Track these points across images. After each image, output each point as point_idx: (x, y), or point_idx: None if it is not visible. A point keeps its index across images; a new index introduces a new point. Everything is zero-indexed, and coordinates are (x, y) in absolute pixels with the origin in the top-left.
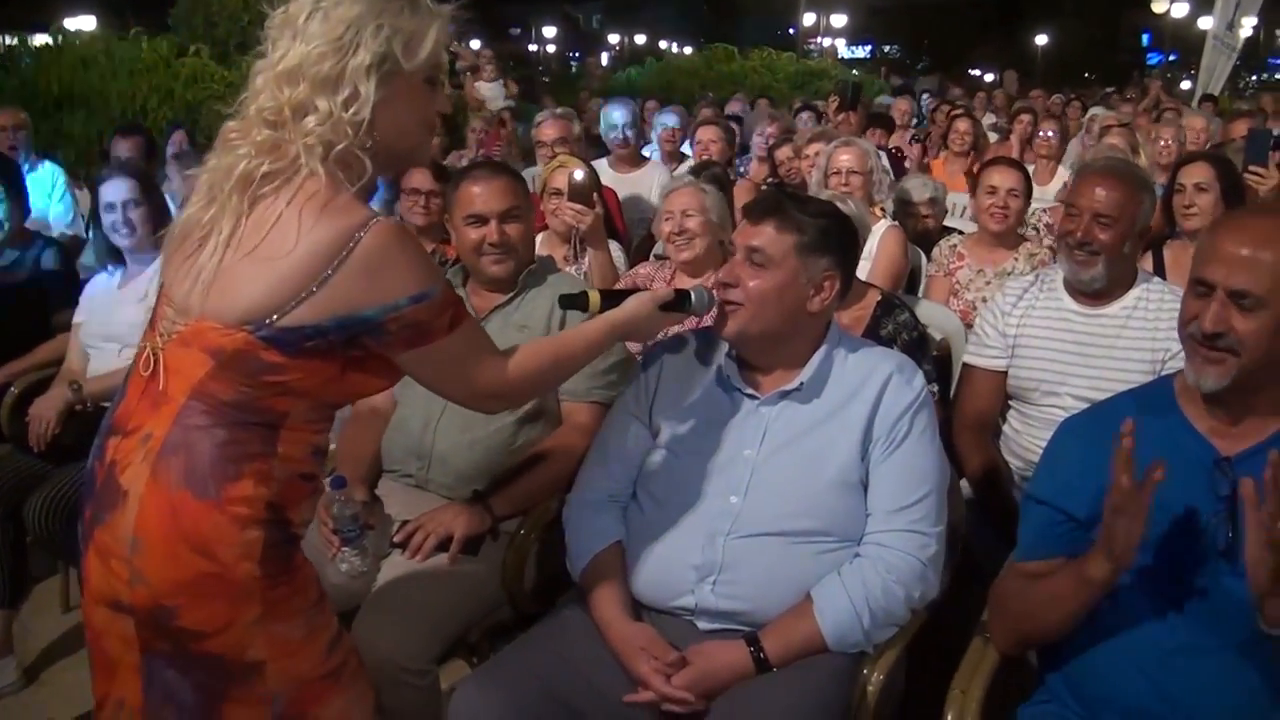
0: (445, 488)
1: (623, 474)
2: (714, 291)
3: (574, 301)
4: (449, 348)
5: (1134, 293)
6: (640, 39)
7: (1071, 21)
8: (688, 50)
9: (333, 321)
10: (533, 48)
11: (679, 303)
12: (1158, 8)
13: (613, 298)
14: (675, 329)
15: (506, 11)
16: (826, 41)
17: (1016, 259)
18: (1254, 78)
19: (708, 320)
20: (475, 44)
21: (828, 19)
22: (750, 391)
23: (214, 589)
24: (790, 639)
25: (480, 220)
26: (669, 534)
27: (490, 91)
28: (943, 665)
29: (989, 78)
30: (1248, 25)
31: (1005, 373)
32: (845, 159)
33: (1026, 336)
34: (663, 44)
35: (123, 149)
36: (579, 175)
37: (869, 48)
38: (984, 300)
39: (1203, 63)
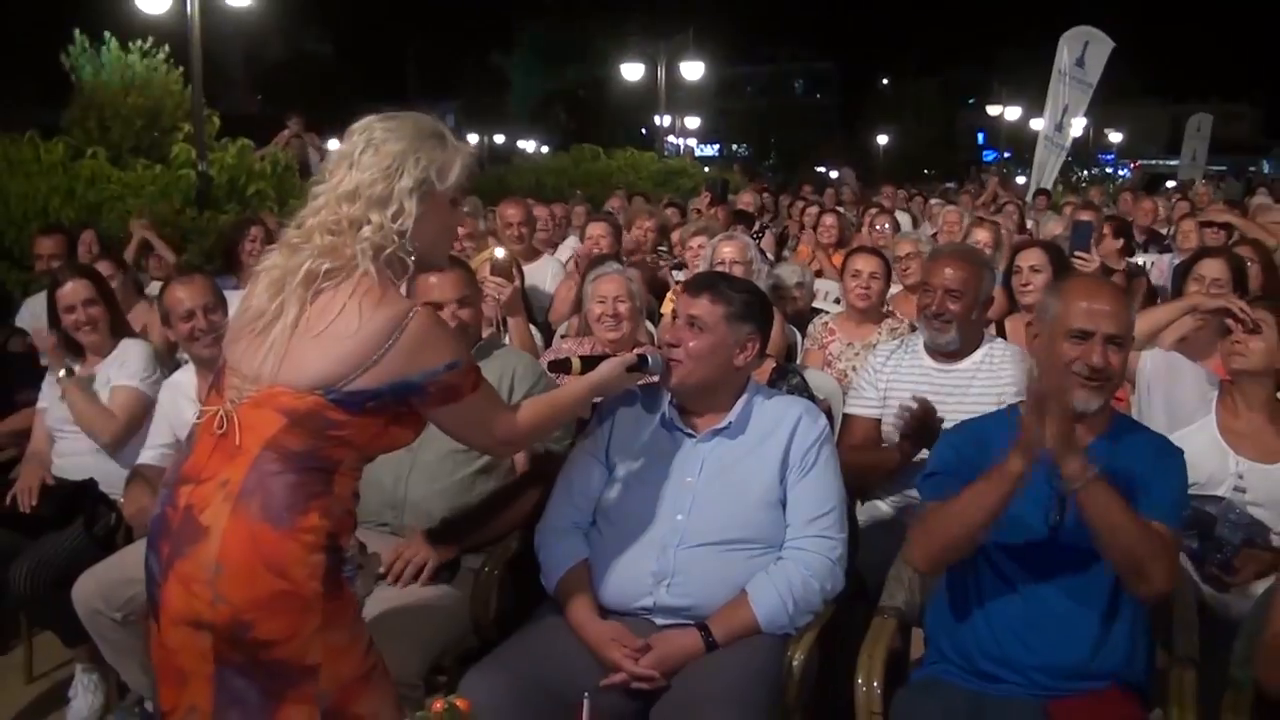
0: (412, 531)
1: (585, 505)
2: (662, 354)
3: (562, 366)
4: (473, 404)
5: (981, 351)
6: (499, 139)
7: (910, 122)
8: (544, 150)
9: (388, 386)
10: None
11: (640, 364)
12: (992, 111)
13: (589, 362)
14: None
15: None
16: (681, 142)
17: (879, 332)
18: (1085, 172)
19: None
20: (333, 144)
21: (682, 120)
22: (689, 431)
23: (286, 604)
24: (732, 625)
25: (437, 307)
26: (628, 549)
27: None
28: (848, 654)
29: (834, 174)
30: (1077, 125)
31: (879, 420)
32: (728, 251)
33: (895, 389)
34: (520, 143)
35: (45, 247)
36: (500, 254)
37: (717, 147)
38: (854, 369)
39: (1035, 160)
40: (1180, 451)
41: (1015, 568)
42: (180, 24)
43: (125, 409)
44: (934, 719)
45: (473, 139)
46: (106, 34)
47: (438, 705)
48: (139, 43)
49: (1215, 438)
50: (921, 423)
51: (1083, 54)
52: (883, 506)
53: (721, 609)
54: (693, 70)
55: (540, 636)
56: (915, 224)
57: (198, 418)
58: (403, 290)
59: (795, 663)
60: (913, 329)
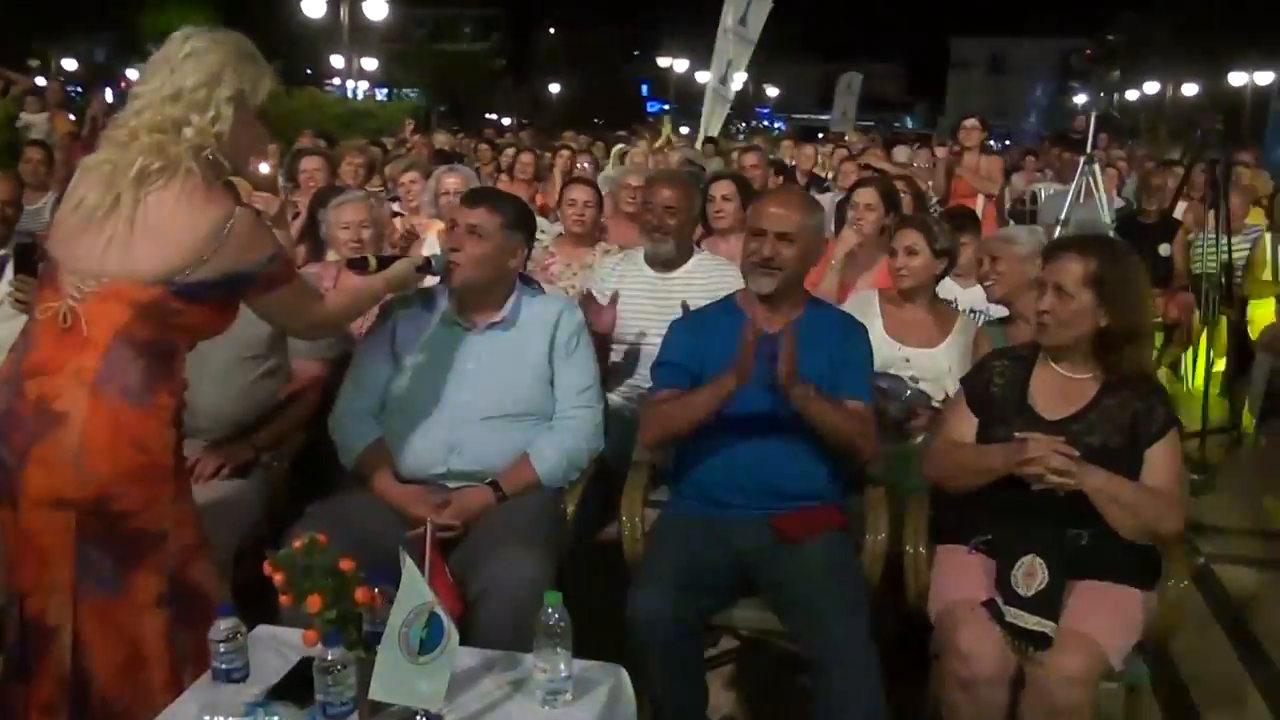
0: (210, 432)
1: (374, 392)
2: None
3: (359, 264)
4: (292, 291)
5: (692, 261)
6: None
7: (577, 73)
8: None
9: (223, 277)
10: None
11: (427, 265)
12: (662, 63)
13: (384, 262)
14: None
15: (23, 46)
16: (358, 84)
17: (594, 254)
18: (744, 124)
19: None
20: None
21: (358, 61)
22: (467, 325)
23: (146, 475)
24: (517, 481)
25: None
26: (420, 426)
27: (35, 124)
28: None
29: (506, 121)
30: (738, 80)
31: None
32: (452, 181)
33: (621, 294)
34: None
35: None
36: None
37: (386, 91)
38: (573, 287)
39: (703, 110)
40: (863, 326)
41: (739, 421)
42: None
43: None
44: (682, 534)
45: (132, 74)
46: None
47: (297, 543)
48: None
49: (883, 336)
50: None
51: (745, 12)
52: (613, 398)
53: (507, 469)
54: (376, 9)
55: (345, 504)
56: (598, 166)
57: (38, 315)
58: None
59: (569, 510)
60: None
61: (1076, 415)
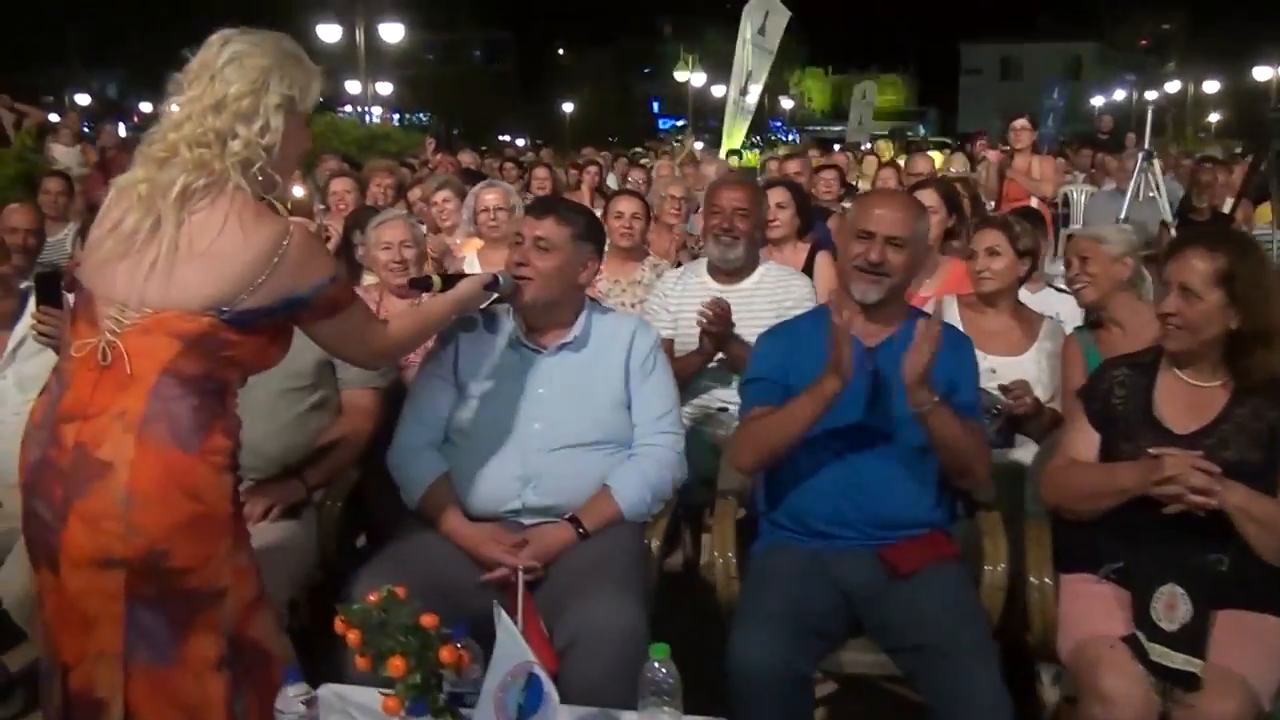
0: (256, 470)
1: (436, 423)
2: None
3: (422, 284)
4: (352, 316)
5: (758, 271)
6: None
7: (590, 92)
8: None
9: (279, 303)
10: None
11: (494, 283)
12: (680, 77)
13: (449, 281)
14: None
15: (35, 81)
16: (373, 110)
17: (643, 268)
18: (758, 137)
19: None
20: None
21: (373, 86)
22: (536, 347)
23: (201, 528)
24: (598, 516)
25: None
26: (492, 459)
27: (65, 156)
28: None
29: (520, 142)
30: (755, 92)
31: (672, 340)
32: (491, 197)
33: (685, 310)
34: None
35: None
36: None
37: (397, 115)
38: (622, 304)
39: (724, 124)
40: (969, 340)
41: (838, 444)
42: None
43: None
44: (785, 572)
45: (145, 107)
46: None
47: (372, 597)
48: None
49: None
50: (721, 319)
51: (764, 23)
52: None
53: (587, 503)
54: (392, 33)
55: (412, 546)
56: (625, 181)
57: (73, 353)
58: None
59: (654, 544)
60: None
61: (1208, 428)
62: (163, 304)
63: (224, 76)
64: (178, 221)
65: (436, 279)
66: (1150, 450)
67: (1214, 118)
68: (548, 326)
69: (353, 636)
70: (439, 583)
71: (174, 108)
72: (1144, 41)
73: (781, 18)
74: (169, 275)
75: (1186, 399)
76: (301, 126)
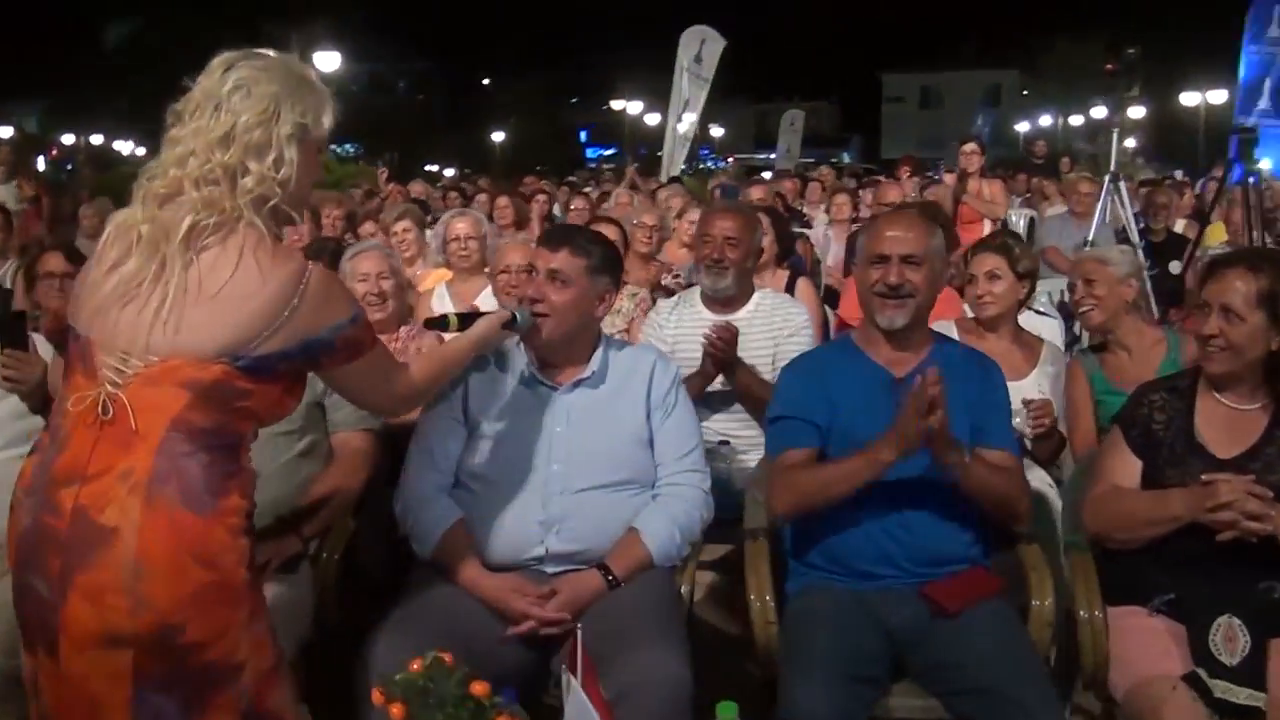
0: None
1: (447, 467)
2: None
3: (439, 324)
4: (375, 359)
5: (753, 300)
6: (96, 139)
7: (518, 122)
8: (140, 151)
9: (298, 346)
10: None
11: (512, 320)
12: (616, 106)
13: (466, 319)
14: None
15: None
16: None
17: (622, 298)
18: (687, 165)
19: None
20: None
21: None
22: (551, 384)
23: (216, 598)
24: (628, 562)
25: None
26: (511, 504)
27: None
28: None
29: (449, 172)
30: (688, 120)
31: None
32: (462, 226)
33: (681, 341)
34: (117, 144)
35: None
36: None
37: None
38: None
39: (664, 150)
40: (994, 362)
41: (878, 484)
42: None
43: None
44: (827, 614)
45: (67, 139)
46: None
47: (415, 664)
48: None
49: None
50: (727, 343)
51: (699, 50)
52: None
53: (614, 548)
54: (328, 61)
55: (431, 601)
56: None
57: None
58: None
59: (684, 589)
60: (669, 292)
61: (1251, 451)
62: (171, 351)
63: (231, 106)
64: (185, 262)
65: (453, 318)
66: (1204, 476)
67: (1130, 143)
68: (563, 361)
69: (396, 711)
70: (471, 643)
71: (176, 141)
72: (1109, 67)
73: (717, 46)
74: (177, 320)
75: (1228, 422)
76: (314, 155)
